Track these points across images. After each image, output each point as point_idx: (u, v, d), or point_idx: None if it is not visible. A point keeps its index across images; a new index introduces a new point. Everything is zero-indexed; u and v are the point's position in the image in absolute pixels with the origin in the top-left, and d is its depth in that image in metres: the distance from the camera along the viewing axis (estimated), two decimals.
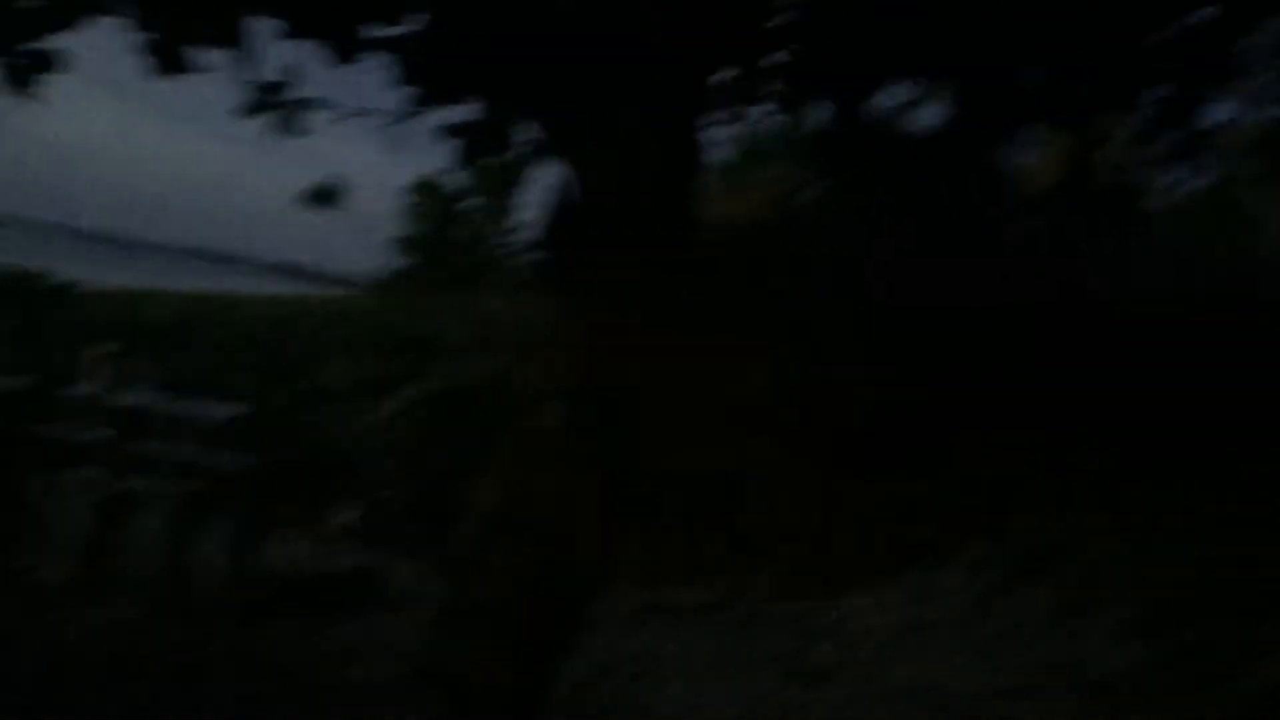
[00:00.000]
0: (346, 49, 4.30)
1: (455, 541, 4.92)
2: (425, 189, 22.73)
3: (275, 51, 4.47)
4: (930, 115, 5.24)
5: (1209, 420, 6.90)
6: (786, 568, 7.63)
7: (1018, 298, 7.61)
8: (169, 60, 4.28)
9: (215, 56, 4.36)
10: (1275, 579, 5.99)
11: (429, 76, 4.35)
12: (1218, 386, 6.96)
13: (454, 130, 4.66)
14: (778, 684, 6.45)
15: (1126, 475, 7.30)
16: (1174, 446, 7.08)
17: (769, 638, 7.10)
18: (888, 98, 5.06)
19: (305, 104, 4.86)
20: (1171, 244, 10.49)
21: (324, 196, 6.37)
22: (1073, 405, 7.33)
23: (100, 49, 5.73)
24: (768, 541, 7.92)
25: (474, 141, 4.64)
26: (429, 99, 4.45)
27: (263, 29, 4.33)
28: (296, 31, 4.28)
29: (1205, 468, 6.98)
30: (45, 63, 4.35)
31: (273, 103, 4.82)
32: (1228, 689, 5.53)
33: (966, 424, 7.74)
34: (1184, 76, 4.96)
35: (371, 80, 4.49)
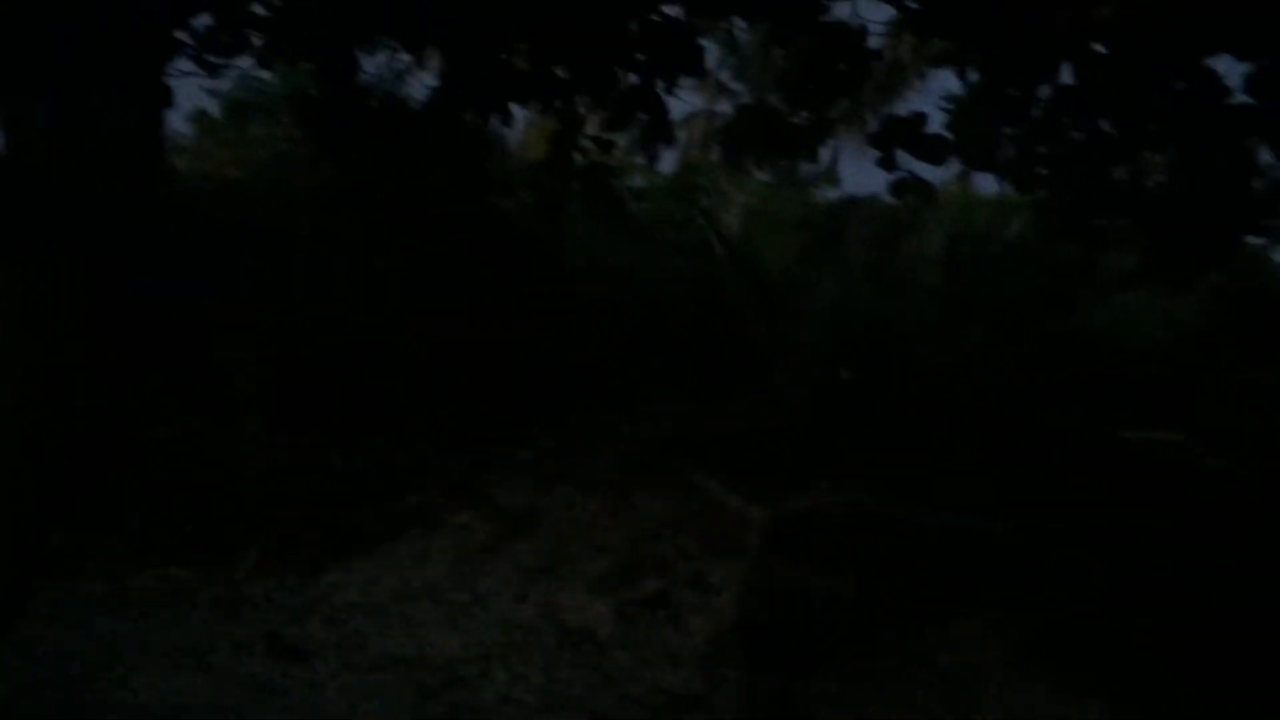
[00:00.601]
0: None
1: None
2: None
3: None
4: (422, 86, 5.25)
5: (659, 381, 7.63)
6: (267, 545, 7.35)
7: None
8: None
9: None
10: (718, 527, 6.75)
11: None
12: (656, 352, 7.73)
13: None
14: (257, 665, 6.20)
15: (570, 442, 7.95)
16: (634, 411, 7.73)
17: (248, 618, 6.81)
18: (379, 65, 4.98)
19: None
20: (643, 222, 11.46)
21: None
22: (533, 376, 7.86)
23: None
24: (247, 518, 7.59)
25: None
26: None
27: None
28: None
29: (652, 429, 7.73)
30: None
31: None
32: (685, 626, 6.11)
33: (446, 392, 7.94)
34: (653, 66, 5.33)
35: None
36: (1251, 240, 6.61)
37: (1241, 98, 5.45)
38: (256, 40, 4.81)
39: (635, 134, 6.03)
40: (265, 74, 7.82)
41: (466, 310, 8.89)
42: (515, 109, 5.52)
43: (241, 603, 6.95)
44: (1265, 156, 6.85)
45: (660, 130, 5.42)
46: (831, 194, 16.19)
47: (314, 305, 8.69)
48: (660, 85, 5.38)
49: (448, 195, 8.58)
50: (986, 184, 12.53)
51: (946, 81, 6.08)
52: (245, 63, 5.15)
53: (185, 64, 4.66)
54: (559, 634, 6.12)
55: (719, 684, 5.35)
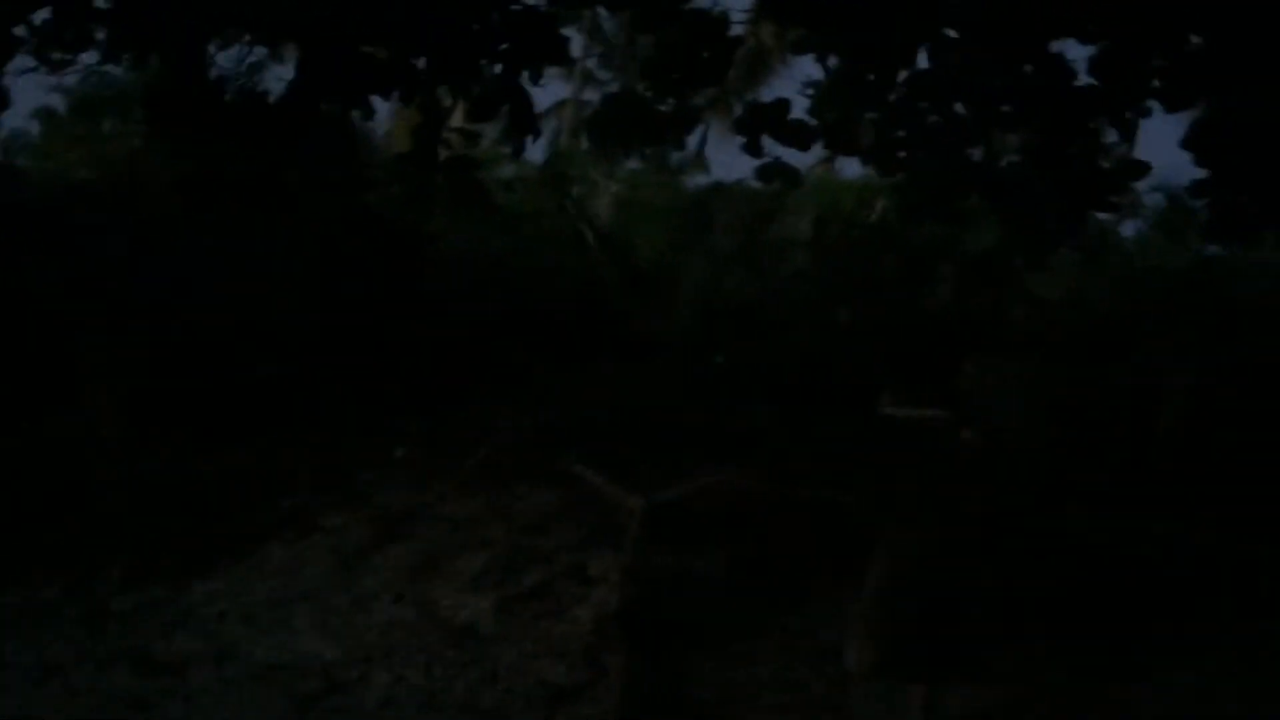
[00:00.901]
0: None
1: None
2: None
3: None
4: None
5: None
6: (133, 556, 7.11)
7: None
8: None
9: None
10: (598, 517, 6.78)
11: None
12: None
13: None
14: (129, 680, 6.00)
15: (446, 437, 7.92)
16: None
17: (118, 632, 6.58)
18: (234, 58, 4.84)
19: None
20: (514, 213, 11.36)
21: None
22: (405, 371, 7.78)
23: None
24: (111, 529, 7.33)
25: None
26: None
27: None
28: None
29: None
30: None
31: None
32: (567, 618, 6.12)
33: (316, 390, 7.80)
34: (516, 56, 5.28)
35: None
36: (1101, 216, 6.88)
37: (1087, 80, 5.66)
38: (100, 35, 4.63)
39: (502, 124, 5.98)
40: (114, 69, 7.52)
41: (334, 306, 8.73)
42: (377, 101, 5.42)
43: (108, 618, 6.72)
44: (1111, 136, 7.15)
45: (524, 121, 5.38)
46: (701, 180, 16.30)
47: (174, 305, 8.42)
48: (524, 75, 5.34)
49: (311, 190, 8.38)
50: (851, 167, 12.77)
51: (810, 68, 6.17)
52: (91, 58, 4.98)
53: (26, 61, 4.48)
54: (440, 632, 6.06)
55: (602, 674, 5.37)
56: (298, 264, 8.60)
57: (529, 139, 5.56)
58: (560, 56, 5.50)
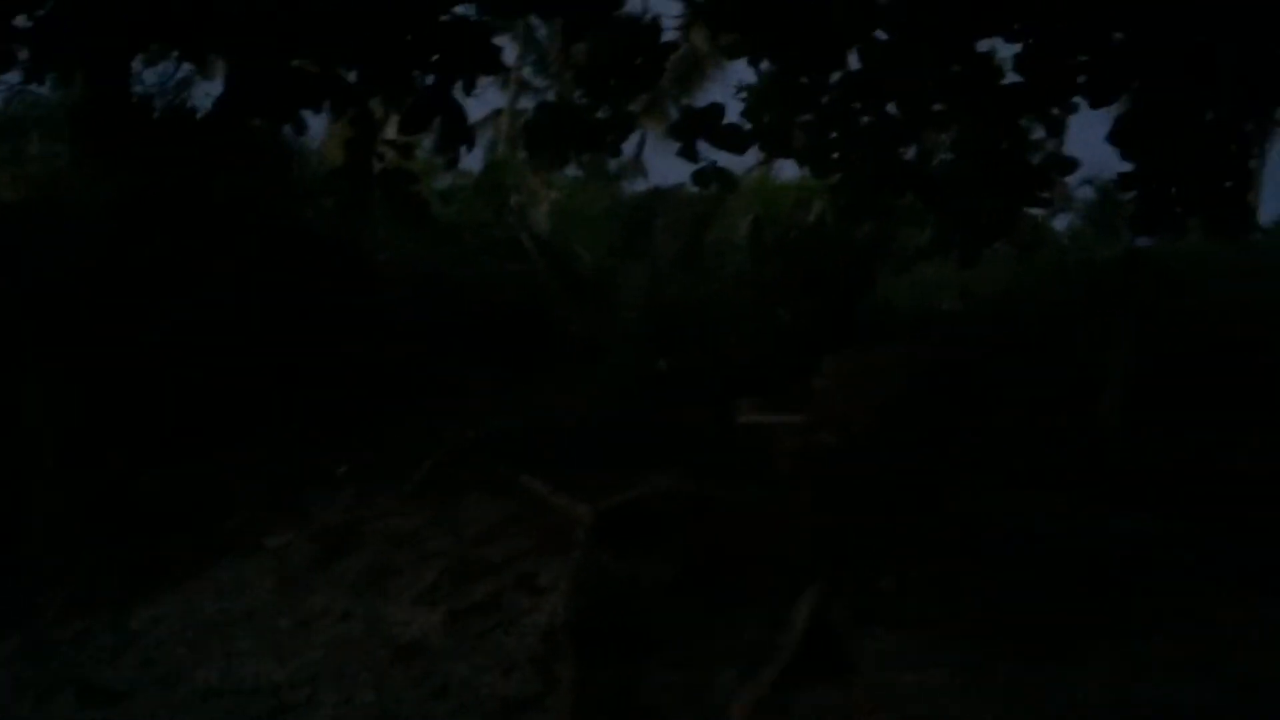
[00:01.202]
0: None
1: None
2: None
3: None
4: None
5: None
6: (74, 584, 6.97)
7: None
8: None
9: None
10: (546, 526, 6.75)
11: None
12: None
13: None
14: (71, 710, 5.88)
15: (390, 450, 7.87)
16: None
17: (60, 660, 6.45)
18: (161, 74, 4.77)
19: None
20: (451, 224, 11.34)
21: None
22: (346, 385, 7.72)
23: None
24: (51, 558, 7.18)
25: None
26: None
27: None
28: None
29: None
30: None
31: None
32: (517, 629, 6.07)
33: (256, 408, 7.70)
34: (448, 66, 5.26)
35: None
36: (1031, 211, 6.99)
37: (1014, 78, 5.76)
38: (22, 54, 4.53)
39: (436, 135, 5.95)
40: (38, 89, 7.40)
41: (273, 322, 8.63)
42: (309, 115, 5.36)
43: (48, 646, 6.58)
44: (1039, 133, 7.26)
45: (457, 131, 5.36)
46: (639, 186, 16.38)
47: (106, 326, 8.28)
48: (457, 86, 5.32)
49: (245, 205, 8.29)
50: (789, 170, 12.90)
51: (744, 73, 6.23)
52: (14, 78, 4.88)
53: None
54: (389, 649, 5.99)
55: (554, 684, 5.33)
56: (232, 281, 8.48)
57: (463, 149, 5.54)
58: (493, 66, 5.47)
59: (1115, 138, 5.63)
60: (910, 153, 6.56)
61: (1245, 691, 5.03)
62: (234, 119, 5.00)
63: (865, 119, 6.22)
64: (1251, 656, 5.34)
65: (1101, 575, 6.24)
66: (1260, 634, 5.61)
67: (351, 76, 5.24)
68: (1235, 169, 5.81)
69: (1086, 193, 23.26)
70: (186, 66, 5.17)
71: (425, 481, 7.73)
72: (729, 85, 6.81)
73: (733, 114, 6.08)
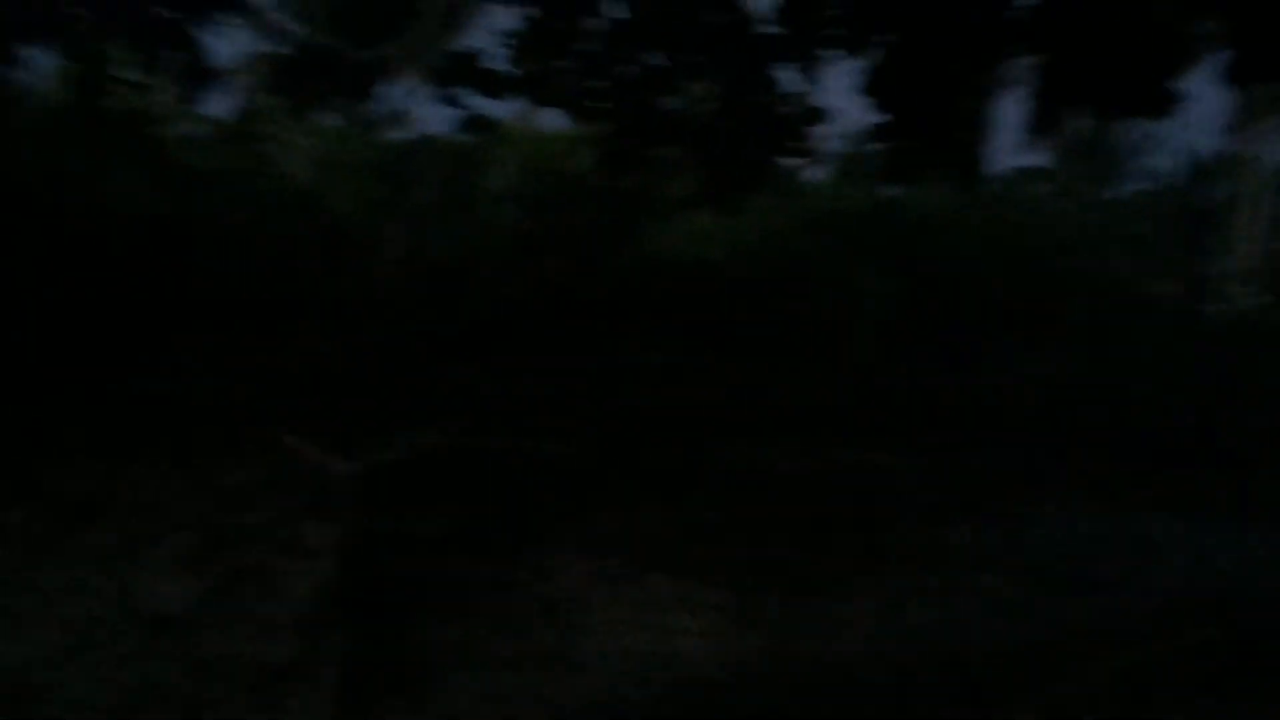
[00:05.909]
0: None
1: None
2: None
3: None
4: None
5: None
6: None
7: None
8: None
9: None
10: (312, 487, 6.51)
11: None
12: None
13: None
14: None
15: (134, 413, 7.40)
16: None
17: None
18: None
19: None
20: (196, 172, 10.69)
21: None
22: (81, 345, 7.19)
23: None
24: None
25: None
26: None
27: None
28: None
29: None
30: None
31: None
32: (287, 596, 5.86)
33: None
34: (183, 3, 4.92)
35: None
36: (784, 162, 7.17)
37: (773, 29, 5.87)
38: None
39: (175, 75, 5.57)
40: None
41: None
42: (29, 52, 4.92)
43: None
44: (795, 85, 7.42)
45: (196, 70, 5.03)
46: (403, 136, 15.95)
47: None
48: (194, 23, 4.98)
49: None
50: (555, 120, 12.82)
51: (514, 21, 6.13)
52: None
53: None
54: (141, 623, 5.66)
55: (321, 650, 5.17)
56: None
57: (202, 90, 5.21)
58: (232, 4, 5.16)
59: (867, 88, 5.81)
60: (672, 103, 6.60)
61: (989, 610, 5.41)
62: None
63: (629, 69, 6.22)
64: (983, 577, 5.76)
65: (852, 511, 6.58)
66: (985, 554, 6.07)
67: (82, 13, 4.83)
68: (969, 121, 6.10)
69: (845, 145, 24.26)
70: None
71: (176, 445, 7.33)
72: (496, 33, 6.71)
73: (500, 61, 6.01)
